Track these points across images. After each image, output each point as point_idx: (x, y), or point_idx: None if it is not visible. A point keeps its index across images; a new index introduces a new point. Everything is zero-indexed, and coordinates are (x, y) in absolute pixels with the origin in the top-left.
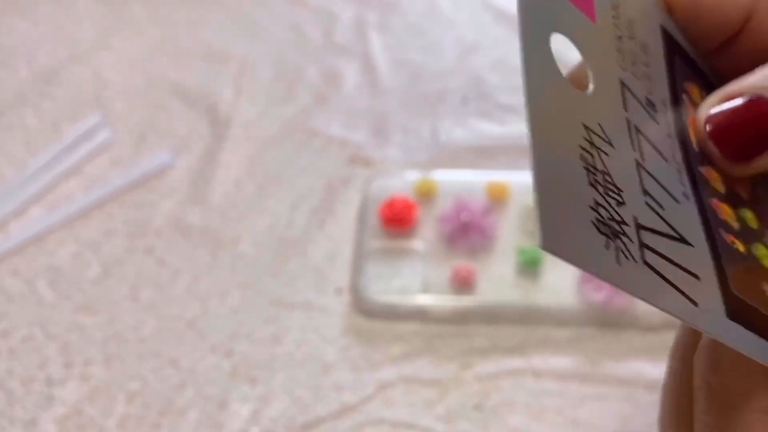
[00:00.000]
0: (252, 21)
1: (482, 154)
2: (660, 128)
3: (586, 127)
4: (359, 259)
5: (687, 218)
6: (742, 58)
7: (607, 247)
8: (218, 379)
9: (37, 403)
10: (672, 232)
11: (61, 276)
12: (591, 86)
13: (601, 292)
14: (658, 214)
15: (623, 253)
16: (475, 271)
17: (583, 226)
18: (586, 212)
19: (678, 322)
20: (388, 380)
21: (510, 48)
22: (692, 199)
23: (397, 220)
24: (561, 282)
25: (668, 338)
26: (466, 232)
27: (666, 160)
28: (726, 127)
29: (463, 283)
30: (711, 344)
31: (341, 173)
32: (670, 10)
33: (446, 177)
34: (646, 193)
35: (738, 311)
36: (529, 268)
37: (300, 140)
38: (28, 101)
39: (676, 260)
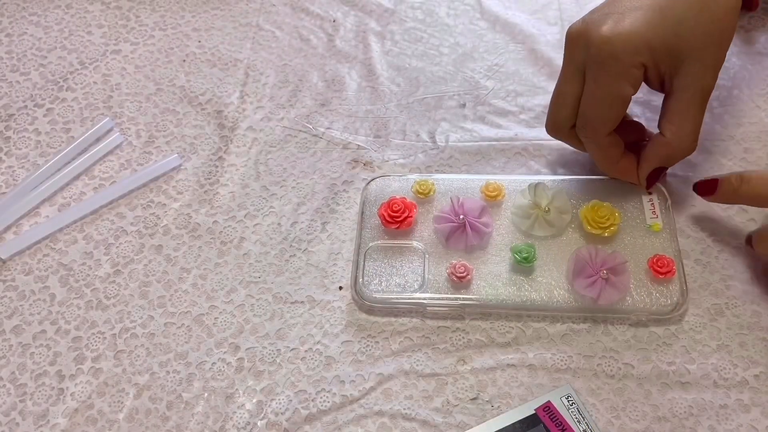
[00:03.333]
0: (257, 28)
1: (478, 157)
2: None
3: None
4: (360, 258)
5: None
6: None
7: None
8: (224, 373)
9: (49, 397)
10: None
11: (72, 274)
12: None
13: (592, 289)
14: None
15: None
16: (471, 268)
17: None
18: None
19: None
20: (388, 374)
21: (505, 54)
22: None
23: (397, 220)
24: (553, 279)
25: (656, 333)
26: (463, 232)
27: None
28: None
29: (459, 281)
30: None
31: (343, 175)
32: None
33: (443, 178)
34: None
35: None
36: (522, 265)
37: (303, 143)
38: (40, 105)
39: None
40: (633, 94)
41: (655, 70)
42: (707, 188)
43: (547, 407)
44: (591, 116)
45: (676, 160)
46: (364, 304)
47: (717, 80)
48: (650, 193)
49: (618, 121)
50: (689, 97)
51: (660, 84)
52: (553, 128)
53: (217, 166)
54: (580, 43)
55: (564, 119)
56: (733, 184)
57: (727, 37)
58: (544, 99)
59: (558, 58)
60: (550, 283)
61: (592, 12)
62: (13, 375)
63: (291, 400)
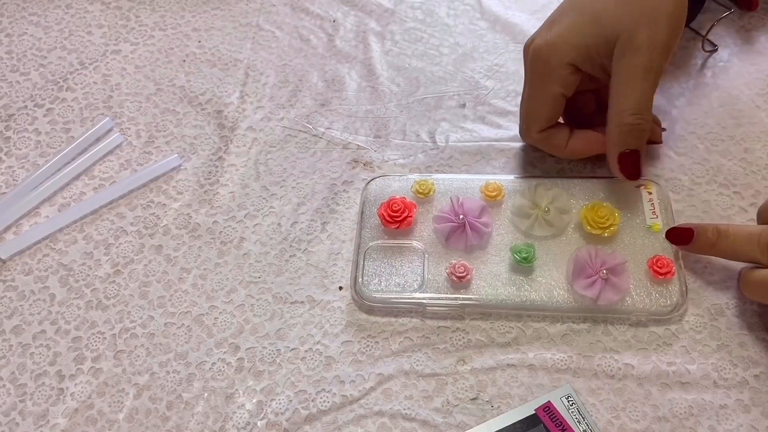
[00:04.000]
0: (257, 28)
1: (478, 157)
2: None
3: None
4: (360, 258)
5: None
6: None
7: None
8: (224, 373)
9: (49, 397)
10: None
11: (72, 274)
12: None
13: (592, 289)
14: None
15: None
16: (471, 268)
17: None
18: None
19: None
20: (388, 374)
21: (505, 54)
22: None
23: (396, 219)
24: (553, 279)
25: (656, 333)
26: (463, 232)
27: None
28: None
29: (459, 281)
30: None
31: (343, 175)
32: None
33: (443, 178)
34: None
35: None
36: (522, 265)
37: (303, 143)
38: (40, 105)
39: None
40: (565, 93)
41: (590, 63)
42: (682, 237)
43: (547, 407)
44: (525, 115)
45: (633, 139)
46: (364, 304)
47: (666, 58)
48: (650, 194)
49: (552, 119)
50: (623, 77)
51: (607, 75)
52: (520, 133)
53: (217, 166)
54: (526, 54)
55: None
56: (710, 239)
57: (663, 15)
58: None
59: None
60: (550, 283)
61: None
62: (13, 375)
63: (291, 400)
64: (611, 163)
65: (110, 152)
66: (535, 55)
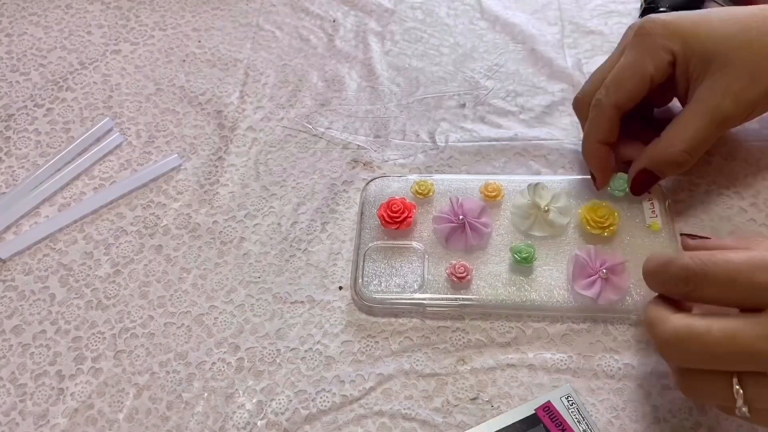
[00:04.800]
0: (257, 28)
1: (478, 157)
2: None
3: None
4: (360, 258)
5: None
6: None
7: None
8: (224, 373)
9: (49, 397)
10: None
11: (72, 274)
12: None
13: (592, 289)
14: None
15: None
16: (471, 269)
17: None
18: None
19: None
20: (388, 374)
21: (505, 54)
22: None
23: (396, 220)
24: (553, 279)
25: None
26: (462, 232)
27: None
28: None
29: (459, 281)
30: None
31: (343, 175)
32: None
33: (443, 179)
34: None
35: None
36: (522, 265)
37: (303, 143)
38: (40, 105)
39: None
40: (654, 78)
41: (684, 66)
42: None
43: (547, 407)
44: (610, 80)
45: (665, 165)
46: (363, 304)
47: (740, 118)
48: (649, 193)
49: (631, 100)
50: (698, 109)
51: (684, 91)
52: (577, 99)
53: (217, 166)
54: (633, 26)
55: (590, 90)
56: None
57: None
58: (544, 99)
59: (558, 58)
60: (550, 283)
61: None
62: (13, 375)
63: (291, 400)
64: (631, 170)
65: (110, 152)
66: (643, 28)
